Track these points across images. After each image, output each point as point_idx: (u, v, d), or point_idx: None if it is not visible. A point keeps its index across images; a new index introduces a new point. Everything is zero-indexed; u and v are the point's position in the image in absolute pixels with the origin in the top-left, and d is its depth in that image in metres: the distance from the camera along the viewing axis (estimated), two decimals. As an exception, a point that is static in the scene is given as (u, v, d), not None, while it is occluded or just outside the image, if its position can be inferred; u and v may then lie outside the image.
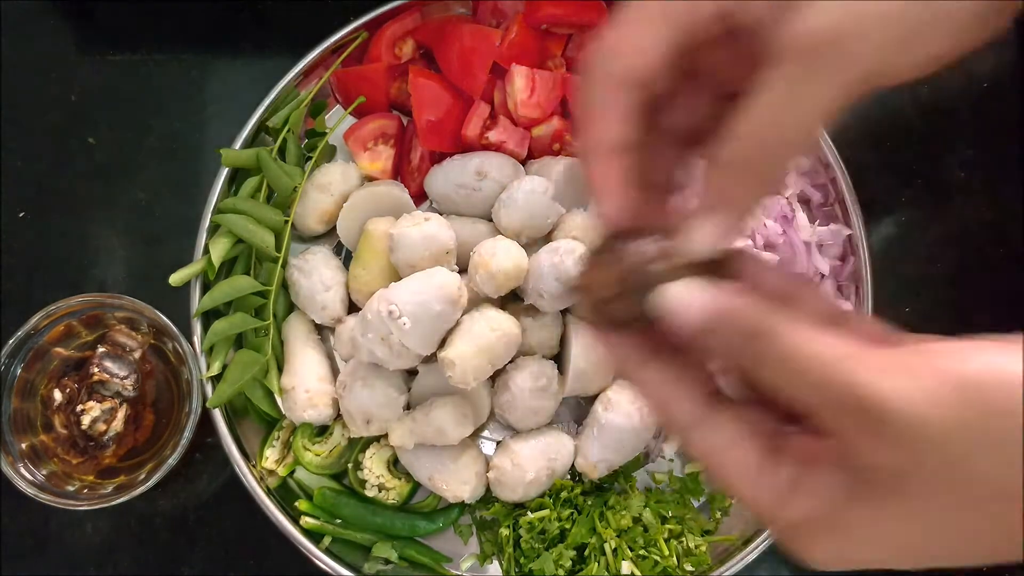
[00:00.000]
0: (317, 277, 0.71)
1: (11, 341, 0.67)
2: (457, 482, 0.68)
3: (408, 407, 0.71)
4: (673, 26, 0.34)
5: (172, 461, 0.66)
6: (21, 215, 0.79)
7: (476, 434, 0.71)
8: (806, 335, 0.30)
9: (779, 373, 0.31)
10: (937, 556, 0.30)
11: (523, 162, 0.75)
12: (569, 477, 0.72)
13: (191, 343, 0.70)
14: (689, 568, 0.68)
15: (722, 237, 0.34)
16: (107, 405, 0.68)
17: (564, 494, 0.70)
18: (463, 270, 0.70)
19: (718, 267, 0.34)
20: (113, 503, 0.66)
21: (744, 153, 0.33)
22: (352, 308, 0.74)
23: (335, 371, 0.74)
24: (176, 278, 0.69)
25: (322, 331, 0.76)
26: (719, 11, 0.34)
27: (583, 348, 0.69)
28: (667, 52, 0.34)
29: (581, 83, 0.36)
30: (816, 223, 0.74)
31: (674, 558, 0.68)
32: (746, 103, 0.32)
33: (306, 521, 0.70)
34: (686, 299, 0.33)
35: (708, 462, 0.33)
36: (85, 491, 0.69)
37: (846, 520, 0.30)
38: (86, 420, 0.67)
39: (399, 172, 0.78)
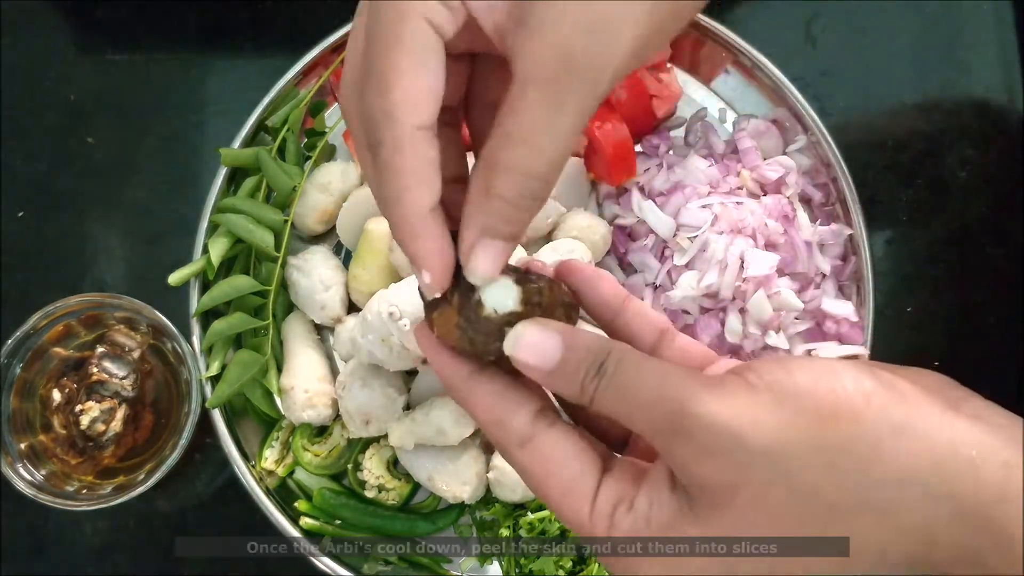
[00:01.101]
0: (316, 277, 0.71)
1: (10, 341, 0.67)
2: (457, 482, 0.68)
3: (408, 407, 0.71)
4: (436, 51, 0.31)
5: (171, 461, 0.66)
6: (20, 215, 0.79)
7: (476, 434, 0.71)
8: (640, 363, 0.31)
9: (617, 398, 0.31)
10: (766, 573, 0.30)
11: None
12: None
13: (190, 343, 0.69)
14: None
15: (500, 264, 0.32)
16: (106, 405, 0.67)
17: (564, 494, 0.70)
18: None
19: (550, 287, 0.34)
20: (112, 503, 0.66)
21: (501, 185, 0.30)
22: (352, 308, 0.74)
23: (335, 371, 0.74)
24: (175, 278, 0.69)
25: (321, 331, 0.75)
26: (467, 22, 0.31)
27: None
28: (440, 83, 0.31)
29: (374, 155, 0.32)
30: (817, 223, 0.74)
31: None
32: (498, 127, 0.30)
33: (305, 522, 0.70)
34: (534, 344, 0.32)
35: (534, 479, 0.33)
36: (84, 491, 0.68)
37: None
38: (85, 420, 0.67)
39: (399, 172, 0.78)
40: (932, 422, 0.29)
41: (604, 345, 0.32)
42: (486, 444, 0.72)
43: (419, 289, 0.35)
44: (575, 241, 0.68)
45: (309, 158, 0.75)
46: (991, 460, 0.28)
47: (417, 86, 0.30)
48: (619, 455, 0.35)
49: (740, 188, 0.74)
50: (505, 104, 0.30)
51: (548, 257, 0.66)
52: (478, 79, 0.36)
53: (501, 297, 0.32)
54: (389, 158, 0.31)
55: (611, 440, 0.39)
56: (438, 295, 0.33)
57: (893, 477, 0.28)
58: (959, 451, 0.28)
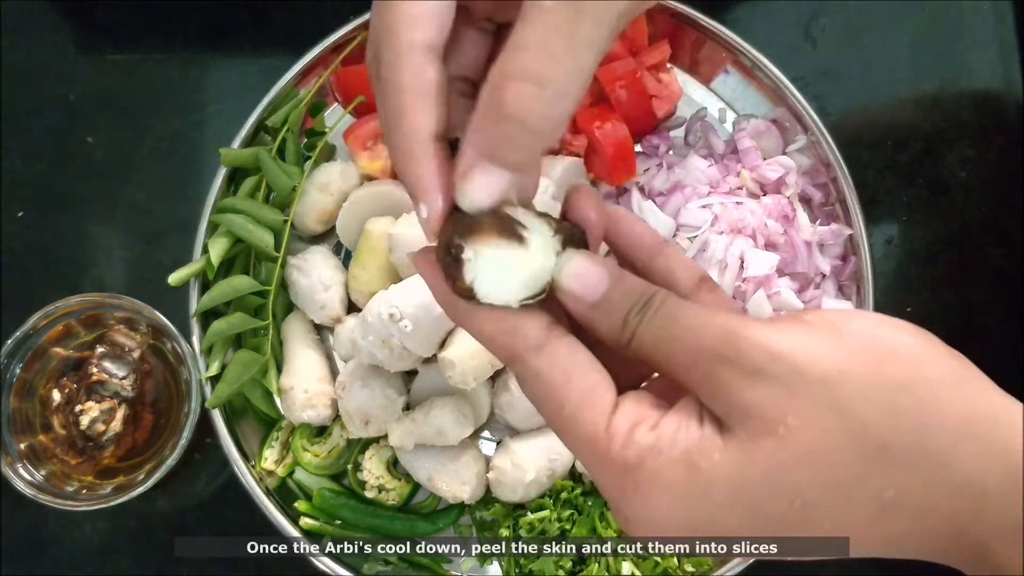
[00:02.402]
0: (316, 277, 0.71)
1: (10, 341, 0.67)
2: (457, 483, 0.68)
3: (408, 408, 0.71)
4: None
5: (171, 461, 0.66)
6: (20, 215, 0.79)
7: (476, 434, 0.71)
8: (691, 303, 0.30)
9: (664, 330, 0.29)
10: (794, 512, 0.28)
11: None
12: (569, 478, 0.72)
13: (190, 343, 0.69)
14: (690, 569, 0.68)
15: (497, 194, 0.30)
16: (106, 405, 0.67)
17: (564, 495, 0.70)
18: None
19: (573, 228, 0.32)
20: (112, 503, 0.66)
21: (510, 98, 0.28)
22: (351, 308, 0.74)
23: (334, 371, 0.74)
24: (175, 278, 0.69)
25: (321, 331, 0.75)
26: None
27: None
28: (449, 8, 0.30)
29: (374, 73, 0.31)
30: (817, 223, 0.74)
31: (675, 559, 0.68)
32: (510, 40, 0.28)
33: (305, 522, 0.70)
34: (581, 274, 0.31)
35: (549, 386, 0.30)
36: (84, 491, 0.68)
37: (701, 461, 0.28)
38: (85, 420, 0.67)
39: (399, 172, 0.78)
40: (986, 383, 0.28)
41: (651, 286, 0.31)
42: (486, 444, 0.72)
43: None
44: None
45: (309, 158, 0.75)
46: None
47: (421, 3, 0.29)
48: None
49: (740, 188, 0.74)
50: (518, 18, 0.28)
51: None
52: (499, 51, 0.35)
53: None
54: (387, 74, 0.30)
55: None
56: (434, 240, 0.31)
57: (950, 426, 0.27)
58: (1013, 414, 0.27)
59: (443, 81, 0.30)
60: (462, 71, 0.34)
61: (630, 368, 0.33)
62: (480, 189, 0.29)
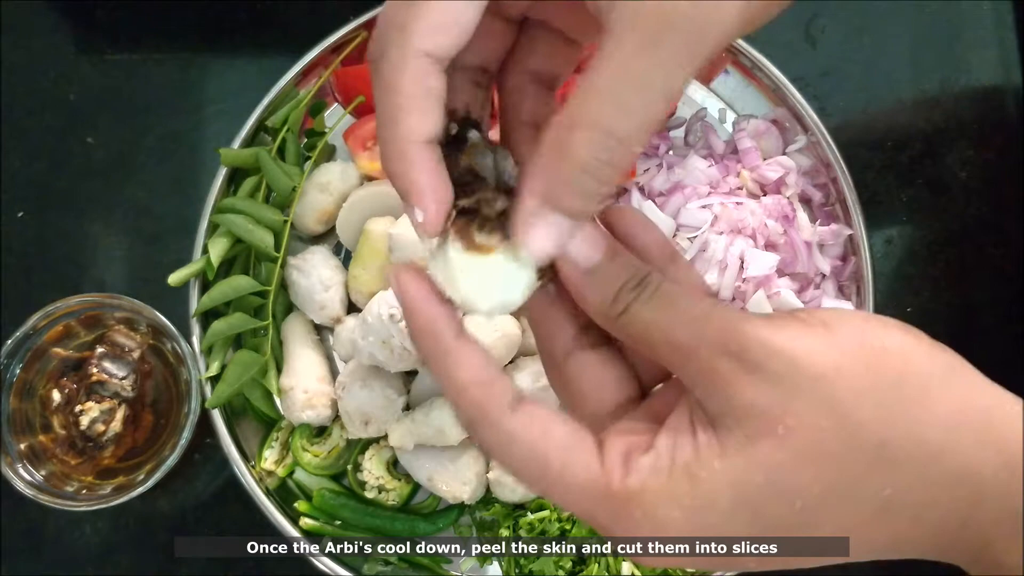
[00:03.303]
0: (316, 277, 0.71)
1: (10, 341, 0.67)
2: (457, 483, 0.68)
3: (408, 408, 0.71)
4: None
5: (171, 462, 0.66)
6: (20, 215, 0.79)
7: (476, 434, 0.71)
8: (687, 290, 0.30)
9: (662, 312, 0.29)
10: (795, 515, 0.28)
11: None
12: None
13: (190, 343, 0.69)
14: (690, 569, 0.68)
15: (559, 242, 0.29)
16: (106, 405, 0.67)
17: (564, 495, 0.70)
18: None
19: None
20: (112, 504, 0.66)
21: (576, 144, 0.27)
22: (351, 308, 0.74)
23: (334, 372, 0.74)
24: (175, 278, 0.68)
25: (321, 331, 0.75)
26: None
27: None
28: (470, 21, 0.29)
29: (376, 68, 0.30)
30: (817, 223, 0.73)
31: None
32: (580, 83, 0.27)
33: (305, 522, 0.70)
34: (589, 234, 0.30)
35: (526, 445, 0.29)
36: (84, 492, 0.68)
37: (702, 472, 0.28)
38: (85, 421, 0.67)
39: (399, 172, 0.78)
40: (980, 378, 0.28)
41: (647, 267, 0.31)
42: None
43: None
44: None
45: (309, 158, 0.75)
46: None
47: (443, 11, 0.28)
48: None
49: (740, 188, 0.74)
50: (592, 59, 0.27)
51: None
52: (523, 45, 0.34)
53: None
54: (389, 75, 0.29)
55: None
56: (433, 243, 0.30)
57: (944, 418, 0.27)
58: (1005, 404, 0.28)
59: (443, 89, 0.30)
60: (479, 62, 0.33)
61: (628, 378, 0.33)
62: (544, 239, 0.29)
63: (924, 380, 0.28)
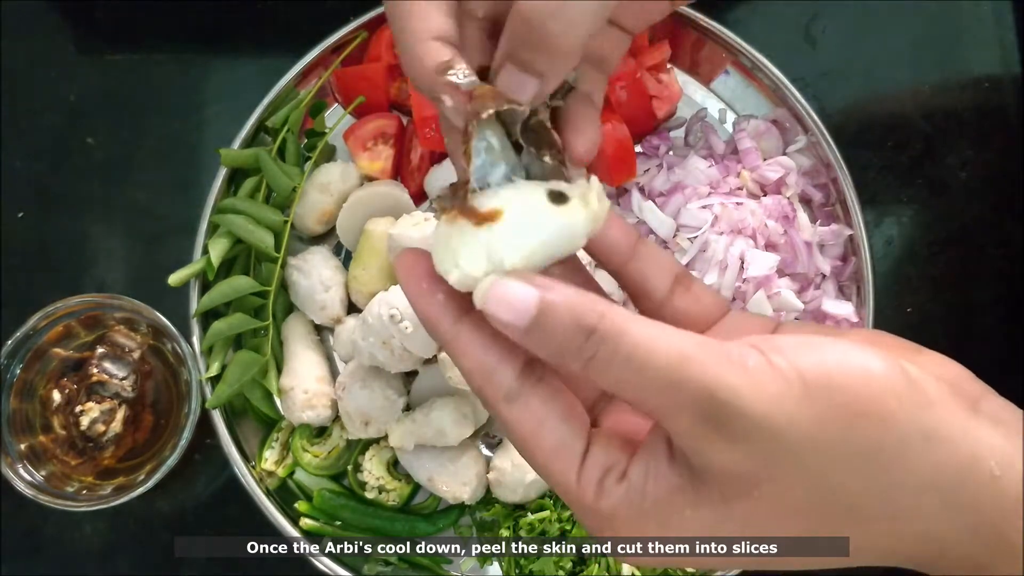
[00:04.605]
0: (316, 277, 0.71)
1: (10, 341, 0.67)
2: (457, 483, 0.68)
3: (408, 408, 0.71)
4: None
5: (171, 462, 0.66)
6: (20, 215, 0.79)
7: (476, 435, 0.71)
8: (648, 332, 0.27)
9: (621, 375, 0.28)
10: (763, 560, 0.30)
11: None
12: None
13: (190, 344, 0.69)
14: (690, 569, 0.68)
15: (525, 92, 0.31)
16: (106, 406, 0.67)
17: (564, 495, 0.70)
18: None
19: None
20: (112, 504, 0.66)
21: (535, 9, 0.29)
22: (351, 308, 0.74)
23: (334, 372, 0.74)
24: (175, 278, 0.68)
25: (321, 331, 0.75)
26: None
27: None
28: None
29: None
30: (817, 223, 0.73)
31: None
32: None
33: (305, 522, 0.70)
34: (508, 296, 0.28)
35: (519, 438, 0.30)
36: (84, 492, 0.68)
37: (672, 518, 0.29)
38: (85, 421, 0.67)
39: (399, 172, 0.78)
40: (956, 429, 0.28)
41: (592, 305, 0.28)
42: (487, 444, 0.72)
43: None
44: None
45: (309, 159, 0.75)
46: (1011, 472, 0.28)
47: None
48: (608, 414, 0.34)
49: (740, 188, 0.74)
50: None
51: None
52: None
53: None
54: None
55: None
56: (463, 122, 0.31)
57: (916, 485, 0.28)
58: (980, 463, 0.28)
59: (450, 6, 0.31)
60: (491, 12, 0.34)
61: None
62: (506, 82, 0.30)
63: (902, 444, 0.28)
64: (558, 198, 0.30)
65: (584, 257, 0.44)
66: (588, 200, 0.30)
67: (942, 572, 0.29)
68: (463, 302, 0.30)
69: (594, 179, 0.31)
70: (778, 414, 0.27)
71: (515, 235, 0.29)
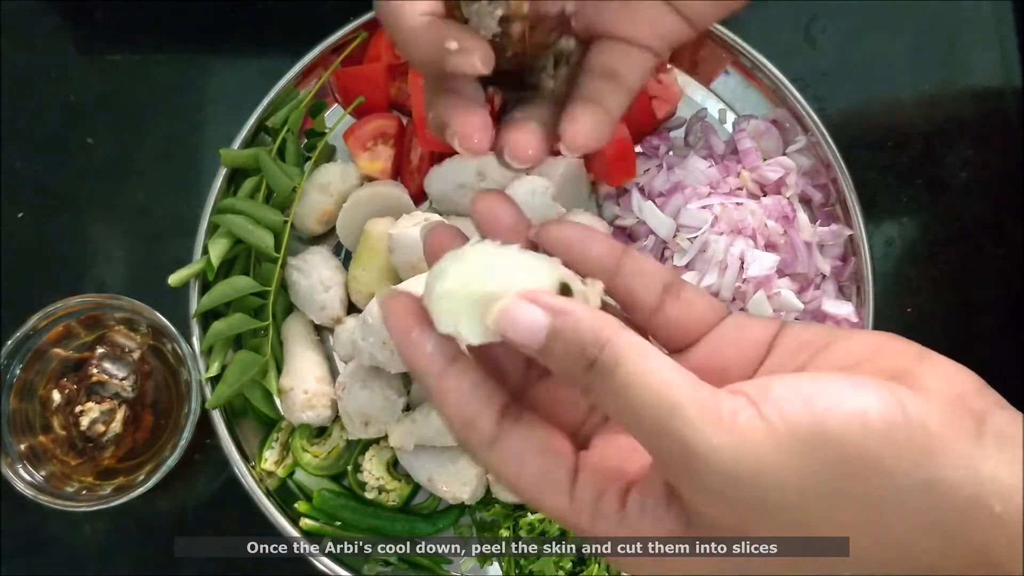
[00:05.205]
0: (316, 277, 0.71)
1: (10, 342, 0.67)
2: (457, 483, 0.68)
3: (408, 408, 0.71)
4: None
5: (171, 462, 0.66)
6: (20, 216, 0.79)
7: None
8: (645, 367, 0.28)
9: (617, 402, 0.28)
10: (764, 562, 0.30)
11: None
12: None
13: (190, 344, 0.69)
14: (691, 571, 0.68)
15: (598, 135, 0.33)
16: (106, 406, 0.67)
17: (564, 495, 0.70)
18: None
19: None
20: (112, 504, 0.66)
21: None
22: (351, 308, 0.74)
23: (334, 372, 0.74)
24: (175, 279, 0.68)
25: (321, 332, 0.75)
26: None
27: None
28: None
29: None
30: (817, 223, 0.73)
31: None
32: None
33: (305, 523, 0.70)
34: (521, 319, 0.29)
35: (507, 479, 0.31)
36: (84, 492, 0.68)
37: (668, 556, 0.30)
38: (85, 421, 0.67)
39: (399, 172, 0.78)
40: (958, 472, 0.27)
41: (600, 335, 0.28)
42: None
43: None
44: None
45: (309, 159, 0.75)
46: (1011, 506, 0.27)
47: None
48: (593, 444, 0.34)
49: (740, 189, 0.74)
50: None
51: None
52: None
53: None
54: None
55: None
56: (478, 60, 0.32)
57: (915, 530, 0.28)
58: (982, 502, 0.27)
59: None
60: None
61: None
62: (579, 133, 0.33)
63: (899, 498, 0.27)
64: (565, 290, 0.31)
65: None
66: (588, 297, 0.31)
67: None
68: (448, 351, 0.31)
69: (599, 284, 0.32)
70: (762, 470, 0.27)
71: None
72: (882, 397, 0.27)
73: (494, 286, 0.30)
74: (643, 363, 0.28)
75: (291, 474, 0.72)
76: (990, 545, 0.28)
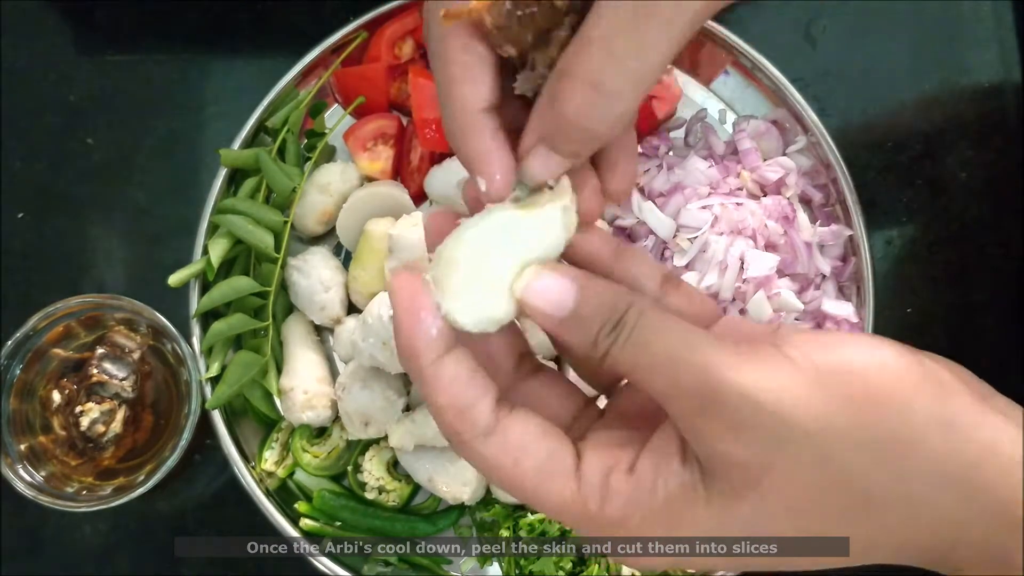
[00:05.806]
0: (316, 278, 0.71)
1: (10, 342, 0.67)
2: (457, 484, 0.68)
3: (408, 409, 0.71)
4: None
5: (171, 462, 0.66)
6: (20, 216, 0.79)
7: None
8: (666, 322, 0.29)
9: (638, 356, 0.29)
10: (764, 561, 0.29)
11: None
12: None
13: (190, 344, 0.69)
14: (690, 569, 0.68)
15: (553, 174, 0.31)
16: (106, 406, 0.67)
17: (564, 495, 0.70)
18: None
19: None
20: (112, 504, 0.66)
21: (565, 95, 0.29)
22: (351, 309, 0.74)
23: (334, 372, 0.74)
24: (175, 279, 0.69)
25: (321, 332, 0.75)
26: None
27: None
28: None
29: (427, 42, 0.31)
30: (817, 223, 0.74)
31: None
32: (577, 36, 0.28)
33: (305, 523, 0.70)
34: (545, 290, 0.30)
35: (503, 471, 0.30)
36: (84, 492, 0.68)
37: (684, 516, 0.29)
38: (85, 421, 0.67)
39: (399, 172, 0.78)
40: (973, 418, 0.28)
41: (624, 298, 0.29)
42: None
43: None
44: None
45: (309, 159, 0.75)
46: None
47: None
48: (595, 424, 0.34)
49: (740, 189, 0.74)
50: (590, 11, 0.28)
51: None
52: None
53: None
54: (436, 47, 0.30)
55: (601, 382, 0.37)
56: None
57: (935, 471, 0.27)
58: (998, 449, 0.27)
59: (492, 56, 0.30)
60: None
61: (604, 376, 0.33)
62: (540, 168, 0.31)
63: (921, 431, 0.27)
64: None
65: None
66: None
67: (954, 564, 0.29)
68: (450, 337, 0.30)
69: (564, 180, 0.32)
70: (785, 398, 0.27)
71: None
72: (900, 349, 0.28)
73: (505, 265, 0.30)
74: (665, 315, 0.29)
75: (291, 474, 0.72)
76: (1008, 491, 0.27)
